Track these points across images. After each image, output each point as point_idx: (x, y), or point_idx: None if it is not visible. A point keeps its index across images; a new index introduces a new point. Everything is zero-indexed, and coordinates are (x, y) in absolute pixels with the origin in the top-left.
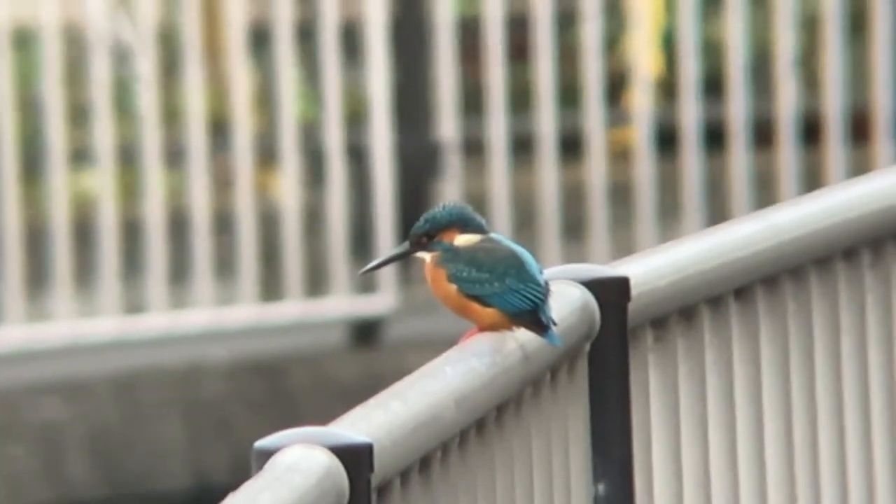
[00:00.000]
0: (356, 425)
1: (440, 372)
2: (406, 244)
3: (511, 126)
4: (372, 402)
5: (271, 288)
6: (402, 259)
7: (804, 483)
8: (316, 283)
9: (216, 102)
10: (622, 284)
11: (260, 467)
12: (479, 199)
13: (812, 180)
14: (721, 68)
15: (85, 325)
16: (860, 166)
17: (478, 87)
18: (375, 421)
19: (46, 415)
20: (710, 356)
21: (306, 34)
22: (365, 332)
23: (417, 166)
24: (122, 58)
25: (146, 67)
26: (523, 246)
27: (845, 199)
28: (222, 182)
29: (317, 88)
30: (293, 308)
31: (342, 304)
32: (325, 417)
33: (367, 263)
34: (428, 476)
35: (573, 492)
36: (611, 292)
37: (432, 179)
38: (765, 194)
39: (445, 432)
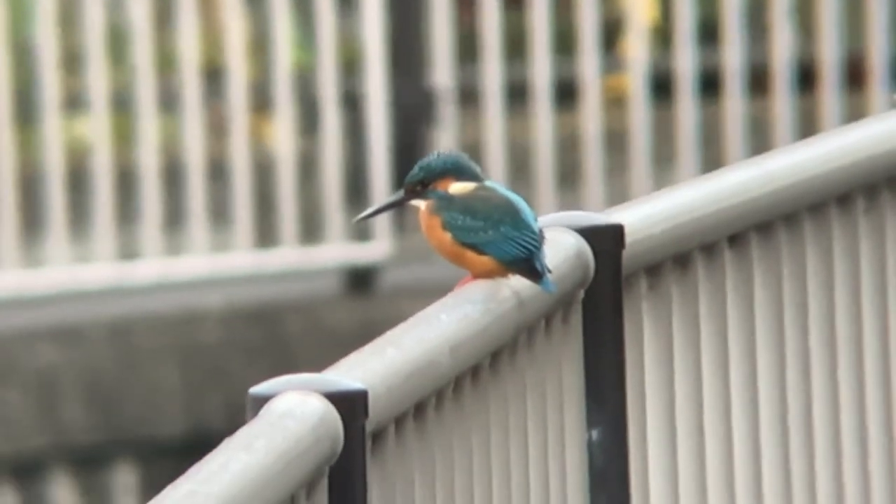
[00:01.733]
0: (351, 372)
1: (435, 319)
2: (401, 192)
3: (506, 74)
4: (367, 348)
5: (266, 235)
6: (397, 207)
7: (797, 429)
8: (311, 230)
9: (210, 49)
10: (616, 232)
11: (255, 413)
12: (473, 147)
13: (807, 127)
14: (716, 15)
15: (80, 271)
16: (855, 113)
17: (472, 34)
18: (370, 367)
19: (42, 361)
20: (704, 303)
21: None
22: (360, 280)
23: (412, 114)
24: (115, 4)
25: (140, 13)
26: (518, 194)
27: (840, 145)
28: (217, 129)
29: (311, 36)
30: (288, 255)
31: (337, 251)
32: (320, 364)
33: (361, 211)
34: (423, 422)
35: (567, 438)
36: (605, 240)
37: (427, 127)
38: (759, 141)
39: (440, 379)
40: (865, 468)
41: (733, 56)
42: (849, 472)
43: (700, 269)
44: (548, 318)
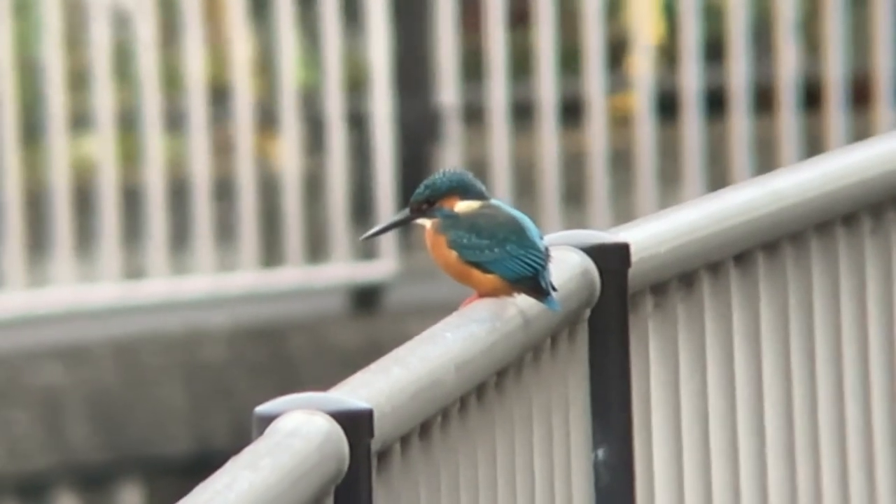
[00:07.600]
0: (356, 391)
1: (441, 338)
2: (406, 211)
3: (511, 92)
4: (372, 367)
5: (272, 254)
6: (403, 225)
7: (803, 448)
8: (316, 249)
9: (216, 68)
10: (622, 250)
11: (260, 432)
12: (479, 166)
13: (812, 146)
14: (722, 33)
15: (86, 290)
16: (861, 132)
17: (478, 52)
18: (376, 386)
19: (47, 380)
20: (709, 322)
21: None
22: (365, 299)
23: (418, 132)
24: (121, 22)
25: (146, 32)
26: (523, 212)
27: (845, 164)
28: (222, 148)
29: (317, 54)
30: (293, 274)
31: (342, 270)
32: (325, 383)
33: (367, 230)
34: (428, 441)
35: (573, 457)
36: (611, 258)
37: (432, 146)
38: (765, 160)
39: (446, 398)
40: (872, 483)
41: (739, 74)
42: (854, 487)
43: (706, 287)
44: (554, 337)
